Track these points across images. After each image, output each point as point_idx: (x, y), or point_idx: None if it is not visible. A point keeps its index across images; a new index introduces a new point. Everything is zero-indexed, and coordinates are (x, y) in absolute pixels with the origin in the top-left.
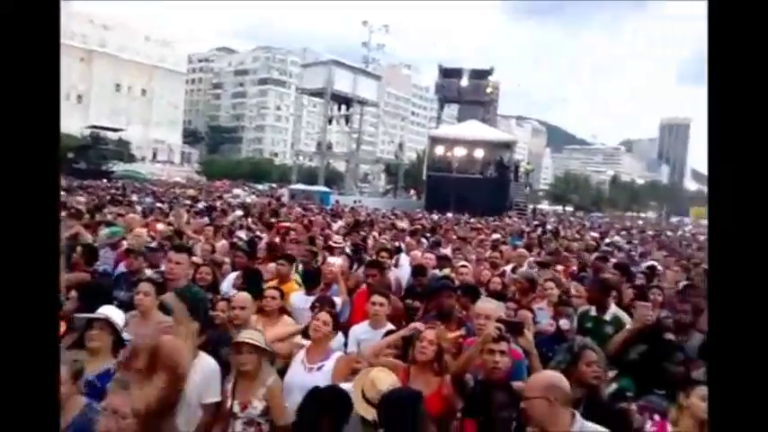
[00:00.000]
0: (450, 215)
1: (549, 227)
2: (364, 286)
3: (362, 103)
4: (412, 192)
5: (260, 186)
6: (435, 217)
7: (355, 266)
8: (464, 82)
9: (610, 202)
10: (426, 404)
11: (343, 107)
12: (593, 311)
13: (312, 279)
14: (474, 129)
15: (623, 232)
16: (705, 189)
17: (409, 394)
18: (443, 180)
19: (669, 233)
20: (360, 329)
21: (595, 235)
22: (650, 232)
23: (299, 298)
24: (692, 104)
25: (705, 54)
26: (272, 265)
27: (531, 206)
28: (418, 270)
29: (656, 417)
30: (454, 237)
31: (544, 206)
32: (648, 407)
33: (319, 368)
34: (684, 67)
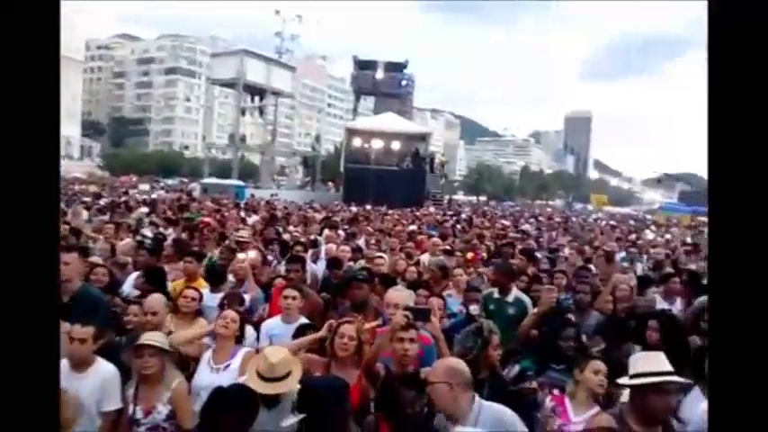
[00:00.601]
0: (368, 207)
1: (463, 216)
2: (280, 281)
3: (277, 94)
4: (330, 184)
5: (170, 181)
6: (355, 209)
7: (275, 262)
8: (379, 74)
9: (520, 191)
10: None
11: (257, 98)
12: (497, 294)
13: (216, 276)
14: (390, 121)
15: (532, 219)
16: (606, 178)
17: (336, 383)
18: (361, 172)
19: (574, 219)
20: (271, 324)
21: (506, 223)
22: (557, 219)
23: (207, 296)
24: (591, 99)
25: (603, 52)
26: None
27: (446, 197)
28: (334, 263)
29: (556, 391)
30: (371, 229)
31: (460, 197)
32: (548, 383)
33: (226, 367)
34: (584, 65)
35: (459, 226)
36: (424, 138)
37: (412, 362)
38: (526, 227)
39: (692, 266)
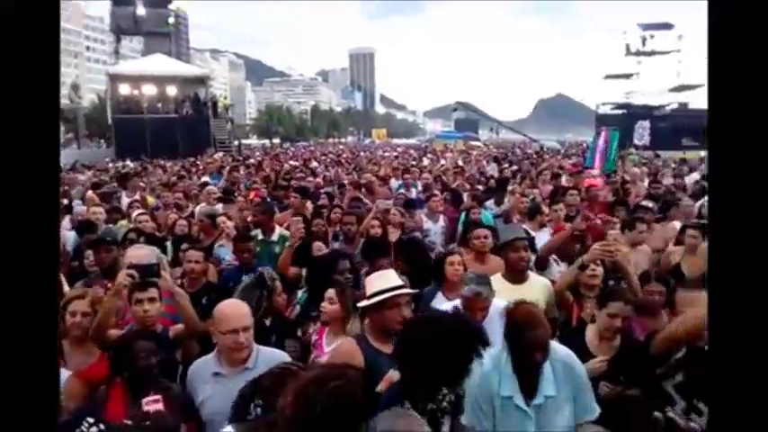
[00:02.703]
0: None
1: (251, 161)
2: None
3: None
4: (101, 140)
5: None
6: (132, 164)
7: None
8: (140, 10)
9: (313, 130)
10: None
11: None
12: (261, 235)
13: None
14: (161, 63)
15: (323, 157)
16: (392, 112)
17: None
18: (133, 122)
19: (362, 153)
20: None
21: (295, 163)
22: (345, 155)
23: None
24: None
25: None
26: None
27: (236, 142)
28: (85, 226)
29: (319, 323)
30: (143, 184)
31: (252, 141)
32: (315, 317)
33: None
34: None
35: (248, 170)
36: (203, 80)
37: (154, 322)
38: (314, 165)
39: (457, 186)
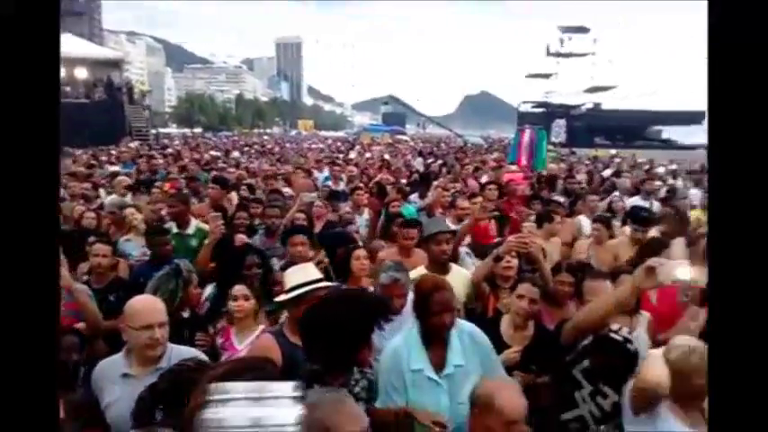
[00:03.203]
0: None
1: (170, 150)
2: None
3: None
4: None
5: None
6: None
7: None
8: None
9: (237, 120)
10: None
11: None
12: (175, 228)
13: None
14: (70, 44)
15: (246, 148)
16: (320, 103)
17: None
18: None
19: (288, 145)
20: None
21: (216, 153)
22: (270, 146)
23: None
24: (301, 26)
25: None
26: None
27: (154, 131)
28: None
29: (223, 322)
30: None
31: (171, 129)
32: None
33: None
34: None
35: (166, 159)
36: (116, 64)
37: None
38: (235, 155)
39: (381, 180)
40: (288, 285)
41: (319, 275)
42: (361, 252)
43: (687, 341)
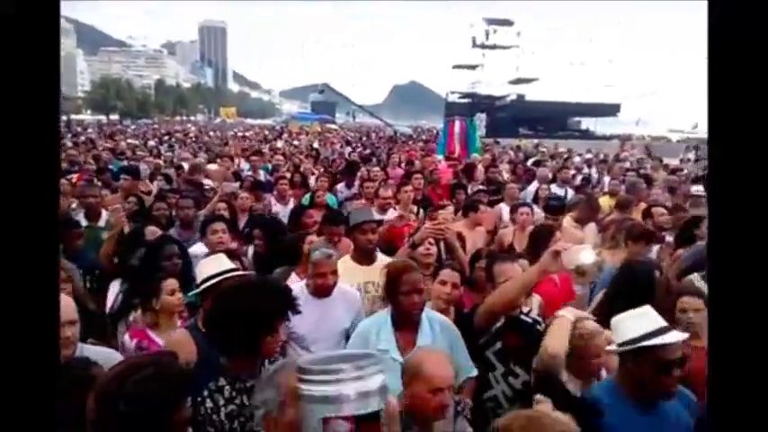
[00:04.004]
0: None
1: (82, 138)
2: None
3: None
4: None
5: None
6: None
7: None
8: None
9: (158, 107)
10: None
11: None
12: (84, 221)
13: None
14: None
15: (167, 137)
16: (246, 90)
17: None
18: None
19: (212, 133)
20: None
21: (133, 142)
22: (192, 135)
23: None
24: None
25: None
26: None
27: (65, 117)
28: None
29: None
30: None
31: (85, 116)
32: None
33: None
34: None
35: (78, 148)
36: None
37: None
38: (151, 144)
39: (308, 168)
40: (200, 278)
41: (231, 265)
42: (313, 238)
43: (571, 316)
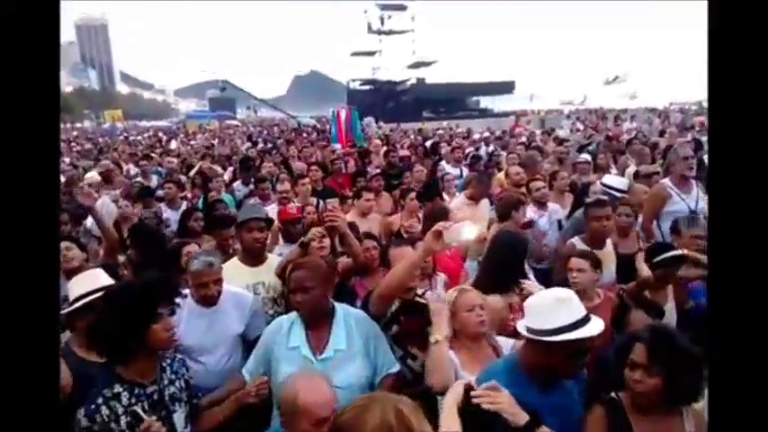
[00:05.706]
0: None
1: None
2: None
3: None
4: None
5: None
6: None
7: None
8: None
9: None
10: None
11: None
12: None
13: None
14: None
15: None
16: (138, 91)
17: None
18: None
19: (101, 139)
20: None
21: None
22: (78, 142)
23: None
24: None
25: None
26: None
27: None
28: None
29: None
30: None
31: None
32: None
33: None
34: None
35: None
36: None
37: None
38: None
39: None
40: (72, 296)
41: (109, 281)
42: (192, 248)
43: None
